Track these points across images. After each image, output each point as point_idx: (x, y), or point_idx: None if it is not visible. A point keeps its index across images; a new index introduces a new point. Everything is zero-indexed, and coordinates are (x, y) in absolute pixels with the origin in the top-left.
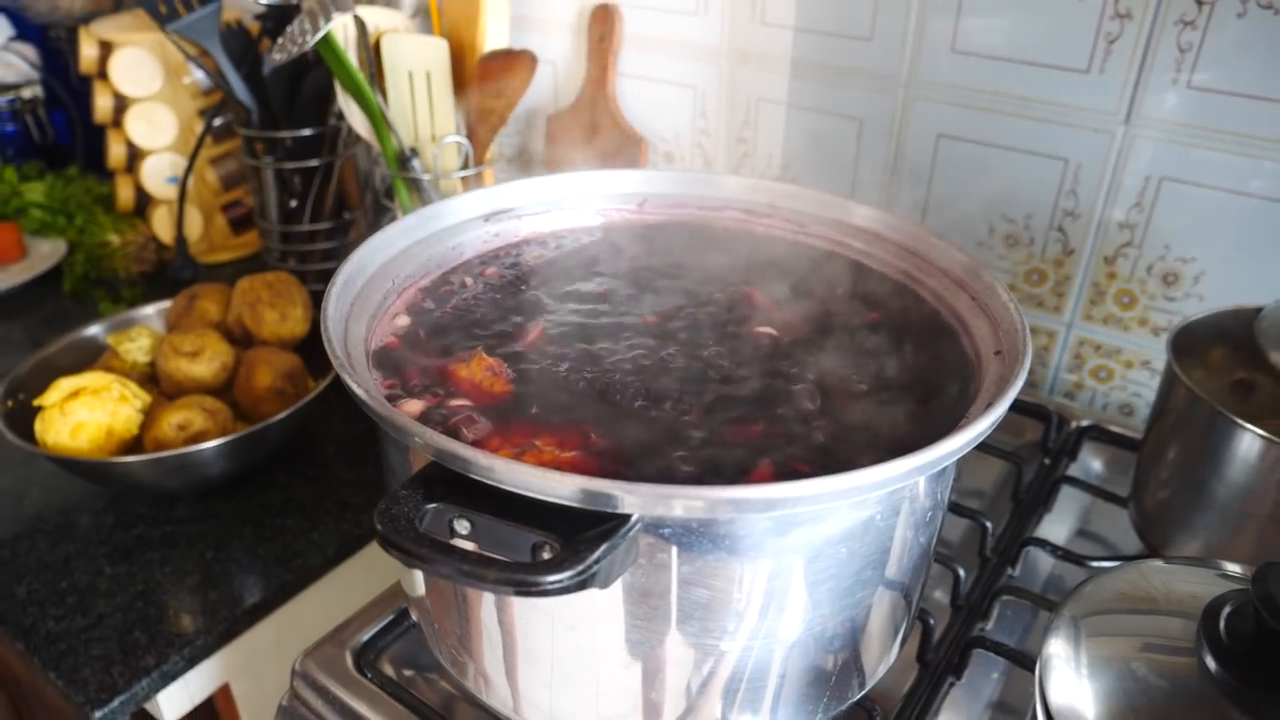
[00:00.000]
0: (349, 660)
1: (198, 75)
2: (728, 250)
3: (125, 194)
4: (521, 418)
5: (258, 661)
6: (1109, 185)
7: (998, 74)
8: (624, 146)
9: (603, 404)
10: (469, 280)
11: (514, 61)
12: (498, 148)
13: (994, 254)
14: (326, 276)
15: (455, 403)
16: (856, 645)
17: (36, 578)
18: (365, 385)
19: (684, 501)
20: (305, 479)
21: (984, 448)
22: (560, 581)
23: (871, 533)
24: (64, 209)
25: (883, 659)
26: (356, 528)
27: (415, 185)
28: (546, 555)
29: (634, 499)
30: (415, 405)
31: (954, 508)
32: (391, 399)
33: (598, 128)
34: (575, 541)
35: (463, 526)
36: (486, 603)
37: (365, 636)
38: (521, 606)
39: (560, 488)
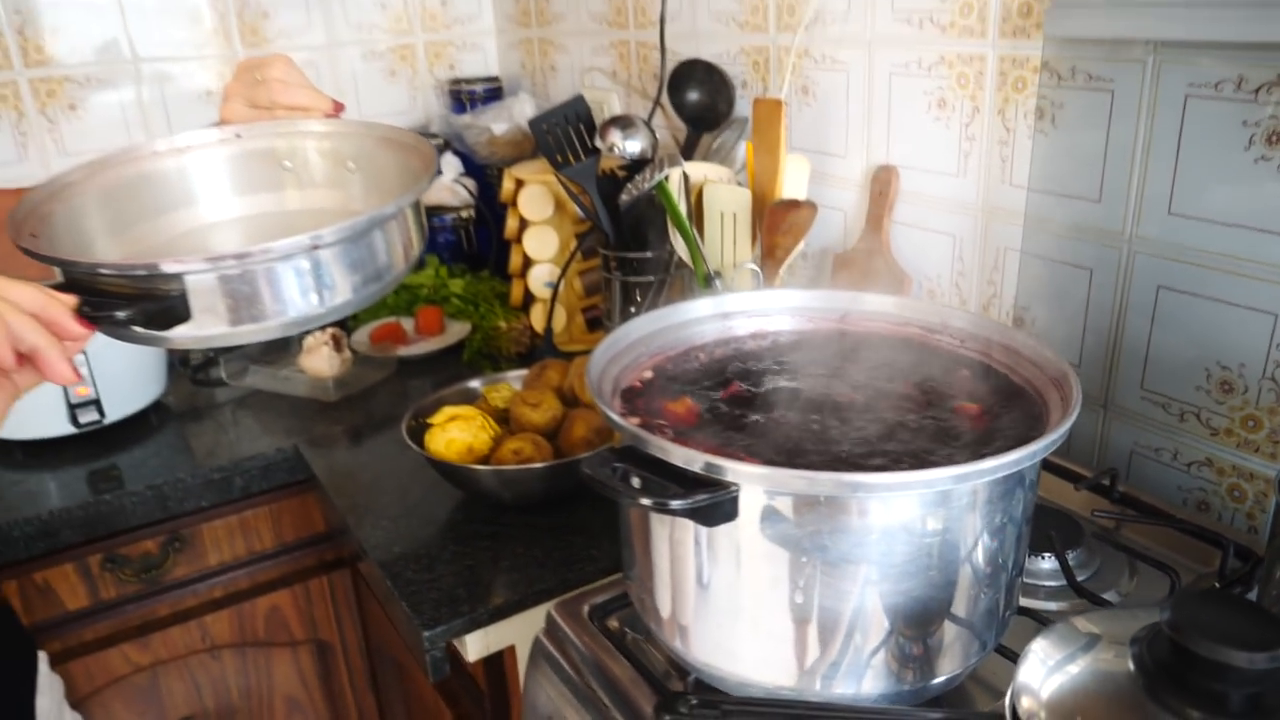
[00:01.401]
0: (585, 612)
1: (576, 208)
2: (900, 351)
3: (517, 292)
4: (696, 435)
5: (531, 635)
6: None
7: (1209, 235)
8: (893, 282)
9: (759, 436)
10: (701, 355)
11: (799, 209)
12: (790, 275)
13: (1211, 399)
14: None
15: (658, 422)
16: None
17: (410, 542)
18: (605, 400)
19: (774, 477)
20: (594, 510)
21: (1161, 566)
22: (674, 508)
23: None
24: (473, 300)
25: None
26: (617, 551)
27: None
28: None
29: (734, 472)
30: (634, 420)
31: None
32: (622, 415)
33: (873, 265)
34: (693, 493)
35: (635, 481)
36: (673, 561)
37: (599, 600)
38: (695, 559)
39: (691, 459)
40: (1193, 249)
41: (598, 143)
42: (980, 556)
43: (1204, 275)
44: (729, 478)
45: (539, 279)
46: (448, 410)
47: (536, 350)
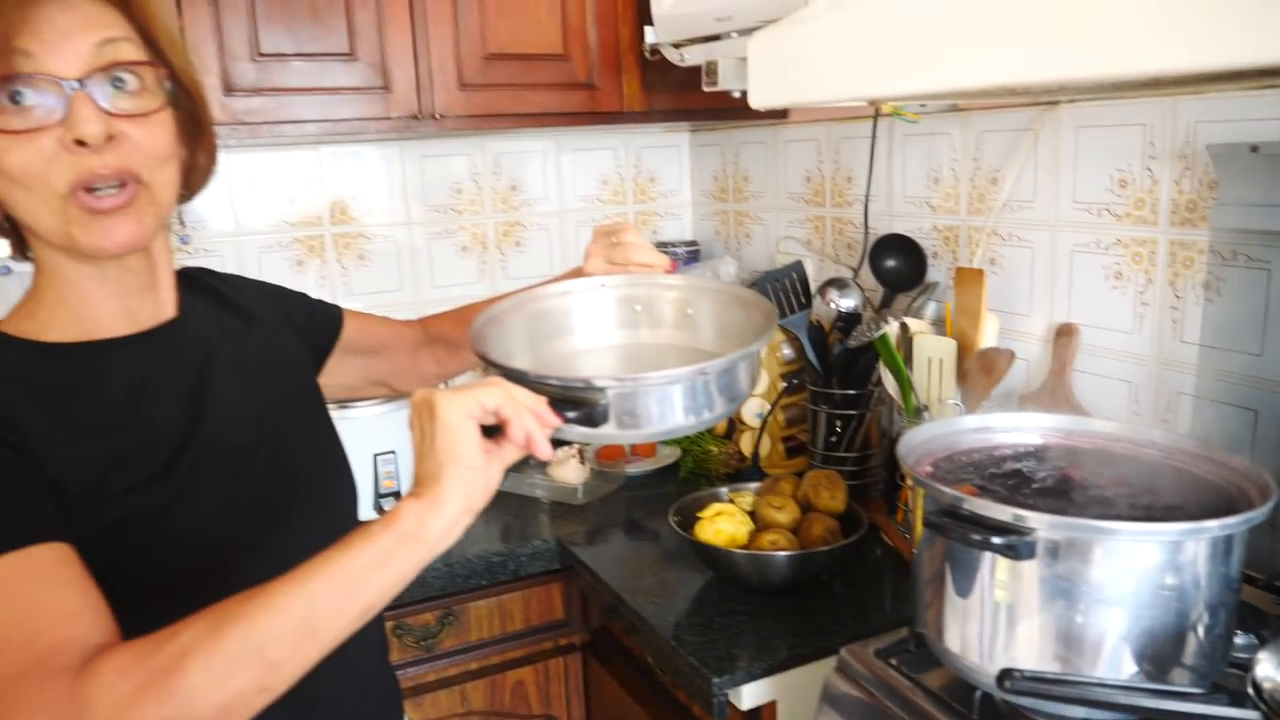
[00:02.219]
0: (871, 653)
1: (785, 352)
2: (1115, 457)
3: (722, 424)
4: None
5: (790, 693)
6: None
7: None
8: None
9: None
10: (962, 457)
11: (999, 356)
12: (984, 412)
13: None
14: (851, 481)
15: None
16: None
17: (678, 614)
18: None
19: (1058, 523)
20: (832, 595)
21: None
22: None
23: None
24: None
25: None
26: (856, 627)
27: None
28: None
29: (1032, 521)
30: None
31: None
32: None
33: (1055, 403)
34: (1001, 535)
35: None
36: (977, 594)
37: (881, 645)
38: (981, 589)
39: (993, 513)
40: None
41: (814, 298)
42: (1202, 599)
43: None
44: (1030, 524)
45: (750, 410)
46: (715, 506)
47: (744, 471)
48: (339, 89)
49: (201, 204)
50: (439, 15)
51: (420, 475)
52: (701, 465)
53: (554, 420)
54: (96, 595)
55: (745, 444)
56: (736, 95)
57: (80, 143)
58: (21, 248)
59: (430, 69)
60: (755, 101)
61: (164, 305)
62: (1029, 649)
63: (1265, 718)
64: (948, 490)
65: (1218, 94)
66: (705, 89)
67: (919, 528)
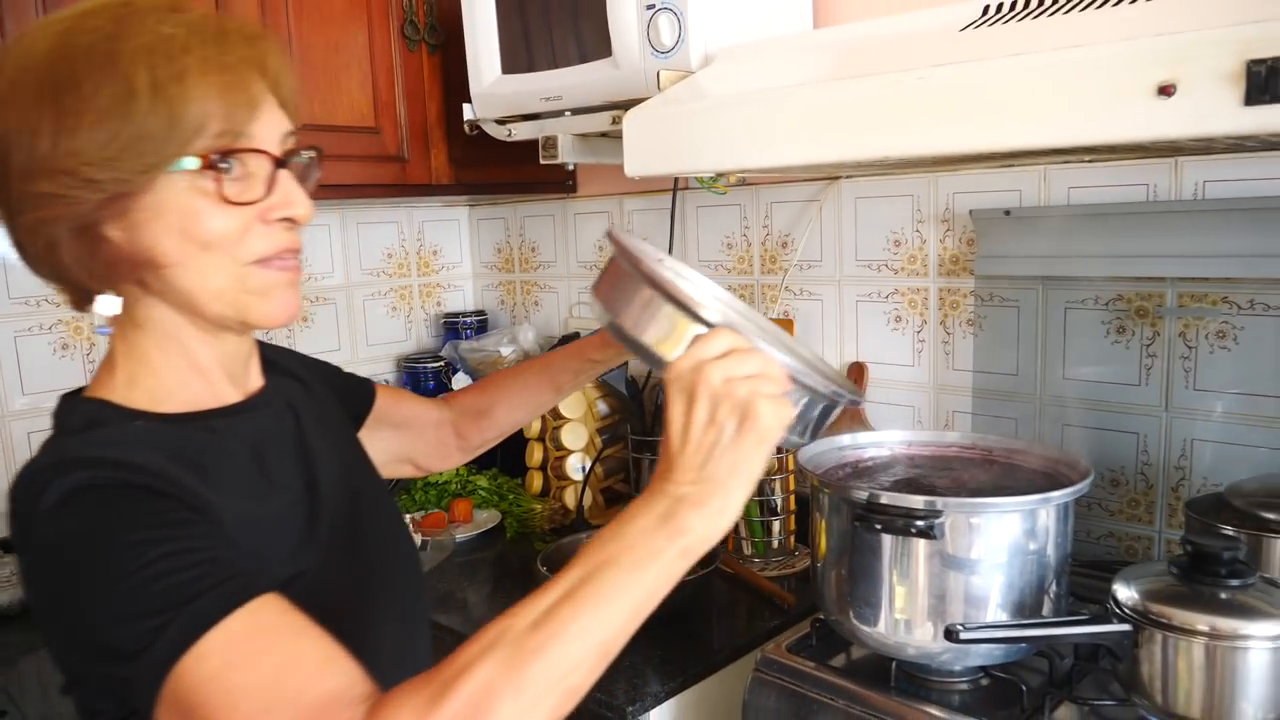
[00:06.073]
0: (785, 649)
1: (601, 407)
2: (952, 459)
3: (537, 483)
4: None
5: (687, 713)
6: (1164, 446)
7: (1090, 390)
8: None
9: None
10: (839, 470)
11: None
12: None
13: (1107, 492)
14: None
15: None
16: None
17: None
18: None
19: (964, 504)
20: (697, 622)
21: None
22: (914, 528)
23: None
24: (499, 491)
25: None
26: (730, 642)
27: None
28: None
29: (939, 505)
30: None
31: None
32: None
33: (854, 429)
34: (920, 520)
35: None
36: (889, 574)
37: (789, 641)
38: (892, 571)
39: (909, 503)
40: (1081, 399)
41: None
42: (1054, 554)
43: (1091, 415)
44: (939, 508)
45: (574, 465)
46: None
47: (569, 524)
48: None
49: None
50: None
51: (703, 474)
52: (525, 524)
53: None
54: (331, 638)
55: (569, 498)
56: (570, 169)
57: (293, 221)
58: (80, 302)
59: None
60: (631, 170)
61: (256, 374)
62: (939, 613)
63: (1135, 627)
64: (865, 489)
65: (969, 170)
66: (543, 162)
67: (822, 531)
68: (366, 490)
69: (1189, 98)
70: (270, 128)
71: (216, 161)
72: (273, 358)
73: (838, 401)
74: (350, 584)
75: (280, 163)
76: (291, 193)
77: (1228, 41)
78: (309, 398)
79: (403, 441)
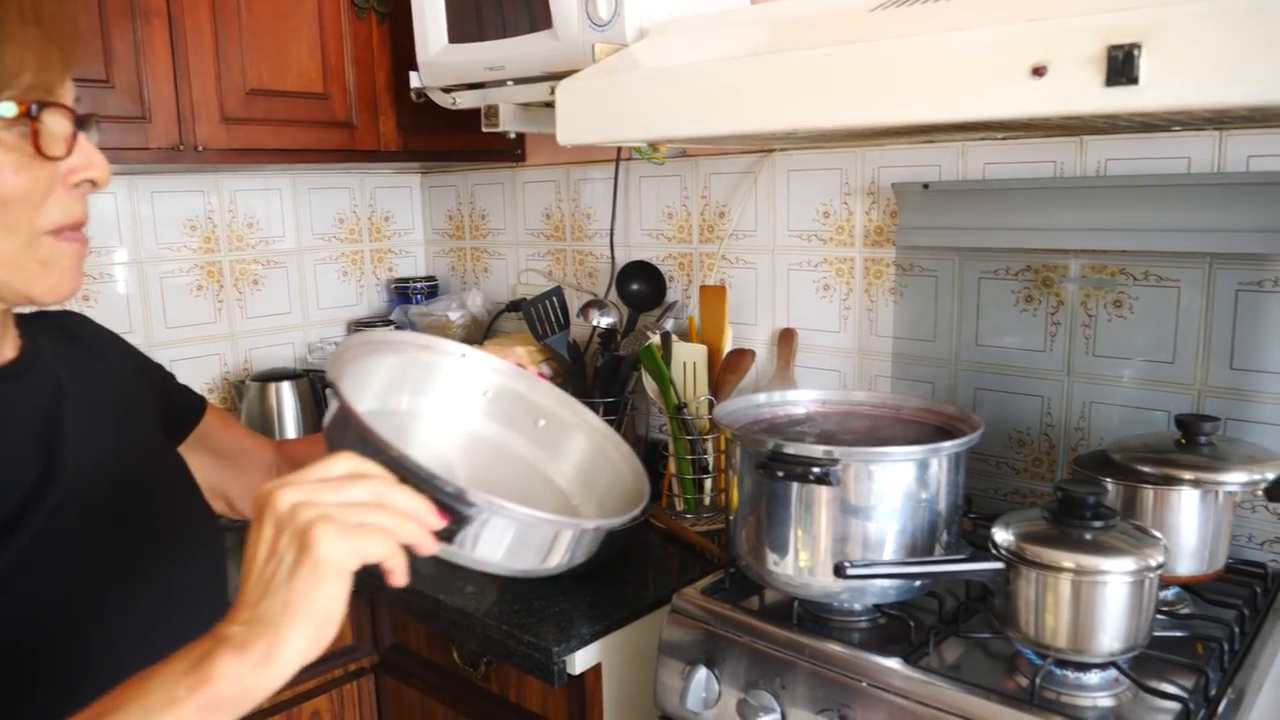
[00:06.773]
0: (699, 592)
1: (544, 370)
2: (861, 416)
3: None
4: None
5: (610, 655)
6: (1065, 408)
7: (1000, 355)
8: None
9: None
10: (756, 425)
11: (743, 356)
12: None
13: (1013, 451)
14: None
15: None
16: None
17: (505, 604)
18: (742, 433)
19: (860, 454)
20: (625, 571)
21: None
22: (811, 475)
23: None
24: None
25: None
26: (655, 591)
27: (683, 423)
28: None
29: (837, 454)
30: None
31: None
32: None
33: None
34: (817, 467)
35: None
36: (797, 520)
37: (704, 585)
38: (794, 516)
39: (809, 452)
40: (992, 364)
41: (575, 319)
42: (944, 500)
43: (1001, 379)
44: (836, 456)
45: None
46: None
47: None
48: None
49: None
50: (199, 47)
51: (256, 614)
52: None
53: (432, 546)
54: None
55: None
56: (512, 137)
57: (94, 184)
58: None
59: (192, 101)
60: (563, 139)
61: (8, 346)
62: (839, 555)
63: (1007, 564)
64: (771, 440)
65: (893, 145)
66: (485, 130)
67: (735, 484)
68: (153, 484)
69: (1058, 79)
70: (69, 90)
71: (35, 111)
72: (80, 335)
73: (457, 507)
74: (85, 578)
75: (80, 124)
76: (93, 154)
77: (1092, 28)
78: (99, 382)
79: (222, 474)
